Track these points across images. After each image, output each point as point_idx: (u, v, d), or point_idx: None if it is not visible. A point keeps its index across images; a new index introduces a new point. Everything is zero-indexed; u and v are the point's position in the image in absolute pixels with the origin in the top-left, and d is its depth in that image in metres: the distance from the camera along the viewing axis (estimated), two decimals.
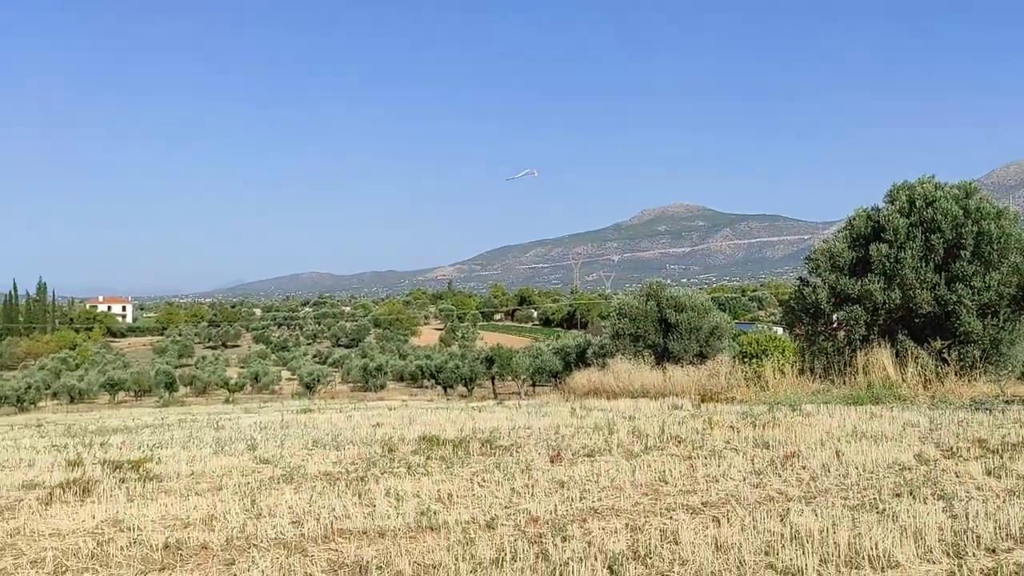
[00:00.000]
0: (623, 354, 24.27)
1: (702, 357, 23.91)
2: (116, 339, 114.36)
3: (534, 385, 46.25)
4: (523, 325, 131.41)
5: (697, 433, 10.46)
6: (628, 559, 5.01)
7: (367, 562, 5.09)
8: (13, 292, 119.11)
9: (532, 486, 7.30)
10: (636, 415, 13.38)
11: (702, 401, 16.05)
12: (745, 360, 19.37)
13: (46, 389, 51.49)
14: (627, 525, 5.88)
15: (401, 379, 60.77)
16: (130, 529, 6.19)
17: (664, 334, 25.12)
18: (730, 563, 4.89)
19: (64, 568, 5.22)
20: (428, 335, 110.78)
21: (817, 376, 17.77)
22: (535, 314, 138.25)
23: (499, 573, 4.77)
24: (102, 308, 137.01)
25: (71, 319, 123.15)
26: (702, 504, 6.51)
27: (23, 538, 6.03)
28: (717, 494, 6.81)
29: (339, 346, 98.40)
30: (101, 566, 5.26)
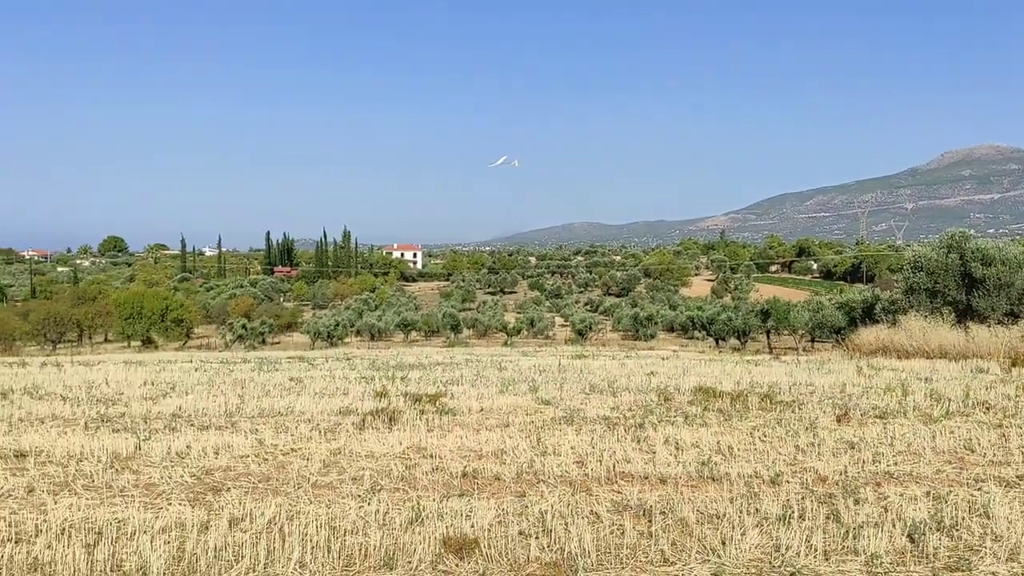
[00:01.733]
0: (917, 311, 22.31)
1: (1013, 317, 21.34)
2: (408, 283, 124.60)
3: (813, 341, 43.98)
4: (801, 278, 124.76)
5: (1009, 400, 9.44)
6: (930, 529, 4.67)
7: (650, 506, 5.19)
8: (323, 240, 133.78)
9: (818, 444, 7.00)
10: (933, 377, 12.34)
11: (1012, 365, 14.41)
12: None
13: (351, 327, 57.47)
14: (928, 493, 5.47)
15: (671, 329, 60.39)
16: (432, 456, 6.79)
17: (967, 290, 22.69)
18: None
19: (379, 486, 5.85)
20: (699, 286, 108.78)
21: None
22: (815, 266, 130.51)
23: (786, 530, 4.66)
24: (396, 255, 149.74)
25: (370, 264, 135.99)
26: (1017, 477, 5.89)
27: (344, 457, 6.82)
28: None
29: (609, 295, 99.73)
30: (409, 487, 5.84)
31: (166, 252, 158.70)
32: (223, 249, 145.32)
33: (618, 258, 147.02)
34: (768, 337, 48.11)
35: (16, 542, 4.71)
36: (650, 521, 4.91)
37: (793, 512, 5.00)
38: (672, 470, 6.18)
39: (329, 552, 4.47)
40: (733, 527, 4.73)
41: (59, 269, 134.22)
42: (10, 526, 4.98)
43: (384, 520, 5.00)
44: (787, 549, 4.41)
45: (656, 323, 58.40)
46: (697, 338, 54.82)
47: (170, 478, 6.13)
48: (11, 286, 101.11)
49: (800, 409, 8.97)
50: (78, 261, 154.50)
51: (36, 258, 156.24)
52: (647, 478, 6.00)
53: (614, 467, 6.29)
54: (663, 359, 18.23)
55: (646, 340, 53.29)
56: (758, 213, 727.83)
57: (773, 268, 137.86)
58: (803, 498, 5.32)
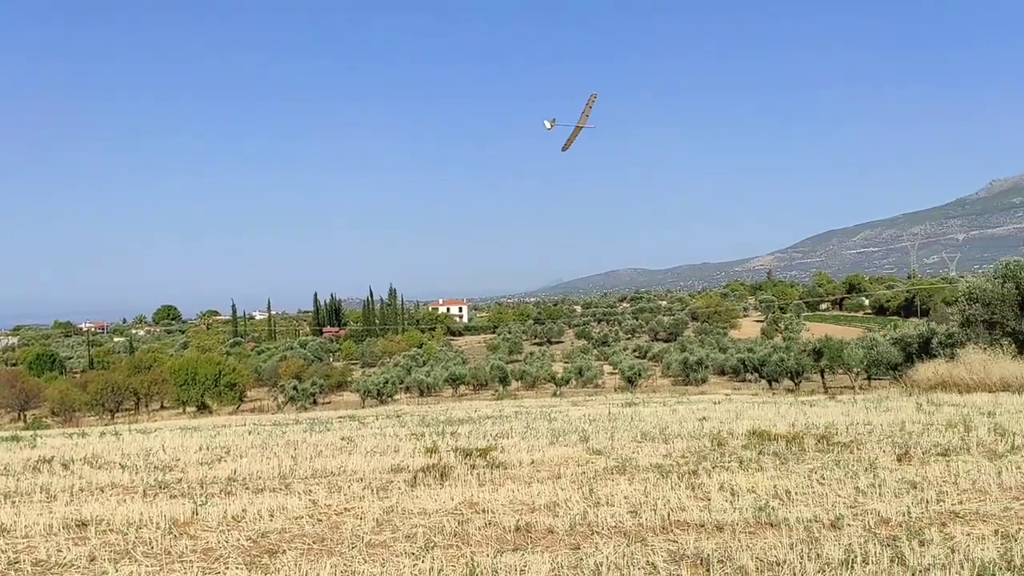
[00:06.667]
0: (975, 343, 21.77)
1: None
2: (455, 337, 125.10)
3: (869, 378, 43.05)
4: (852, 315, 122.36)
5: None
6: (1000, 569, 4.52)
7: (707, 555, 5.10)
8: (370, 298, 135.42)
9: (879, 485, 6.83)
10: (996, 411, 11.98)
11: None
12: None
13: (400, 383, 57.87)
14: (996, 532, 5.30)
15: (722, 373, 59.70)
16: (484, 511, 6.76)
17: None
18: None
19: (432, 544, 5.84)
20: (748, 327, 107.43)
21: None
22: (867, 302, 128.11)
23: (849, 575, 4.54)
24: (442, 310, 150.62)
25: (417, 320, 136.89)
26: None
27: (396, 515, 6.83)
28: None
29: (657, 340, 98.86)
30: (463, 543, 5.81)
31: (218, 318, 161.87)
32: (272, 312, 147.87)
33: (664, 303, 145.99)
34: (823, 376, 47.22)
35: None
36: (708, 570, 4.82)
37: (856, 556, 4.87)
38: (728, 517, 6.06)
39: None
40: (794, 574, 4.62)
41: (115, 339, 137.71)
42: None
43: None
44: None
45: (706, 367, 57.77)
46: (749, 381, 54.04)
47: (227, 542, 6.19)
48: (70, 358, 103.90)
49: (859, 449, 8.77)
50: (134, 331, 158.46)
51: (93, 330, 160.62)
52: (703, 526, 5.90)
53: (669, 516, 6.20)
54: (715, 403, 18.00)
55: (697, 385, 52.64)
56: (804, 251, 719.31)
57: (823, 306, 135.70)
58: (866, 541, 5.18)
